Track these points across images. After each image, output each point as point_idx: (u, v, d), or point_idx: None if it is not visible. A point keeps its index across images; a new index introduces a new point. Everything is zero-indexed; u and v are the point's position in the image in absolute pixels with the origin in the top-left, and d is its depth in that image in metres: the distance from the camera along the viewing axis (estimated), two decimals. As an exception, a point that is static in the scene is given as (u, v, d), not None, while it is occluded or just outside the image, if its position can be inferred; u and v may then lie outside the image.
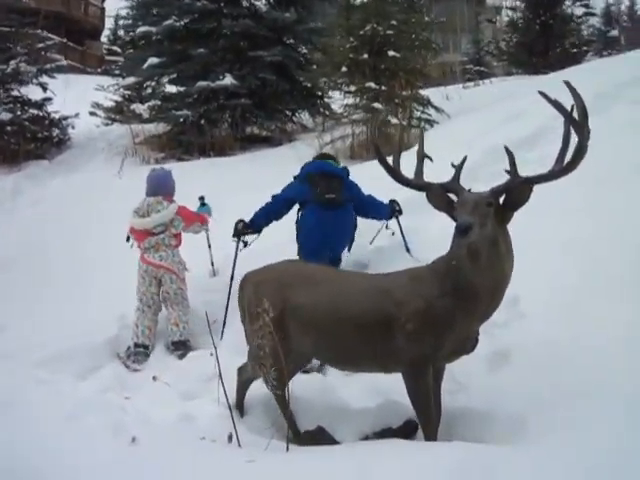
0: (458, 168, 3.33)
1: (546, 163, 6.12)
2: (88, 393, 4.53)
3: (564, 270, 4.42)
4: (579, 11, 17.83)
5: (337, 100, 12.75)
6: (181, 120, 11.47)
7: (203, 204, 5.90)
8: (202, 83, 10.88)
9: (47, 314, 5.88)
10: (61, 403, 4.31)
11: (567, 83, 3.09)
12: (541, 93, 3.14)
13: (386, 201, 5.54)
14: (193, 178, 9.36)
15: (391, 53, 9.37)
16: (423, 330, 3.18)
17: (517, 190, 3.09)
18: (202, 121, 11.46)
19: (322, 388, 4.08)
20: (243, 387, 3.94)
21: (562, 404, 3.27)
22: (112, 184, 9.96)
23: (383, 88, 9.41)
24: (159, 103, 12.17)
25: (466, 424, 3.47)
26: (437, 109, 9.53)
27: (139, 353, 5.15)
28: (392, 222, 5.71)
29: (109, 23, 32.06)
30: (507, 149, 3.21)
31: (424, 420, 3.33)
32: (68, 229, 7.97)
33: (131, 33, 18.27)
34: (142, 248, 5.35)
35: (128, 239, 5.55)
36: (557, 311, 4.09)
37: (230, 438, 3.34)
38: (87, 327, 5.43)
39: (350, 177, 5.42)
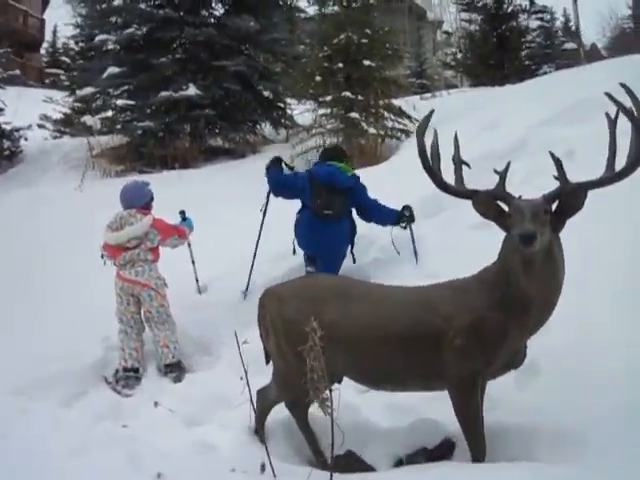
0: (503, 175, 3.15)
1: (534, 173, 6.18)
2: (81, 422, 4.19)
3: (588, 276, 4.27)
4: (534, 24, 18.16)
5: (298, 111, 12.62)
6: (140, 132, 11.09)
7: (184, 218, 5.63)
8: (165, 93, 10.51)
9: (18, 334, 5.42)
10: (57, 435, 4.00)
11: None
12: (607, 94, 3.00)
13: (393, 207, 5.47)
14: (159, 191, 9.02)
15: (366, 62, 9.24)
16: (474, 345, 3.00)
17: (571, 196, 2.93)
18: (163, 133, 11.06)
19: (343, 407, 3.82)
20: (264, 411, 3.65)
21: (608, 418, 3.12)
22: (73, 198, 9.52)
23: (359, 98, 9.26)
24: (116, 115, 11.71)
25: (509, 442, 3.27)
26: (411, 119, 9.40)
27: (129, 377, 4.82)
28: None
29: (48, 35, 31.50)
30: (553, 155, 3.08)
31: (474, 440, 3.12)
32: (32, 244, 7.48)
33: (81, 43, 17.98)
34: (117, 265, 5.03)
35: (102, 256, 5.21)
36: (584, 317, 3.93)
37: (263, 468, 3.06)
38: (66, 349, 5.04)
39: (359, 184, 5.41)
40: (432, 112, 3.42)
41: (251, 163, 10.89)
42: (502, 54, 16.87)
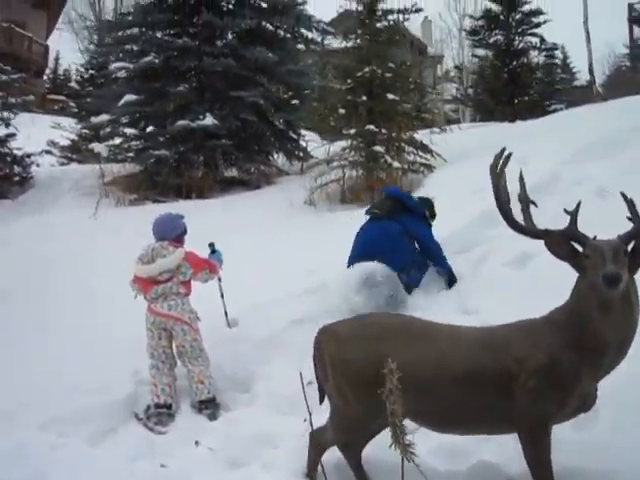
0: (574, 214, 3.06)
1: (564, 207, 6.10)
2: (116, 461, 4.03)
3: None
4: (542, 61, 18.37)
5: (316, 144, 12.62)
6: (154, 160, 11.03)
7: (213, 251, 5.45)
8: (182, 122, 10.48)
9: (46, 365, 5.23)
10: (91, 474, 3.85)
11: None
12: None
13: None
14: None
15: (390, 96, 9.22)
16: (547, 387, 2.90)
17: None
18: (178, 162, 11.00)
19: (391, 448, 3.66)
20: (319, 453, 3.48)
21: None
22: (87, 226, 9.40)
23: (383, 131, 9.22)
24: (128, 142, 11.66)
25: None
26: (434, 154, 9.36)
27: (162, 414, 4.62)
28: None
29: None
30: (624, 195, 3.07)
31: None
32: (51, 273, 7.32)
33: (91, 70, 18.03)
34: (149, 298, 4.85)
35: (133, 289, 5.04)
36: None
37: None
38: (96, 383, 4.85)
39: (423, 216, 5.60)
40: (504, 150, 3.32)
41: (267, 194, 10.88)
42: (513, 90, 17.00)
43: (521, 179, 3.41)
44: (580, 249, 2.98)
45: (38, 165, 12.56)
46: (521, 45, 17.95)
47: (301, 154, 12.59)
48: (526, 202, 3.30)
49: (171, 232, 5.03)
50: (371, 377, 3.06)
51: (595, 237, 3.00)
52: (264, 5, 12.23)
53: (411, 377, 3.04)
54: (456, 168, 8.96)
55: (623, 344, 2.90)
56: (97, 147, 15.38)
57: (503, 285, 5.34)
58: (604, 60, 41.16)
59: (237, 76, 11.13)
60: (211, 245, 5.47)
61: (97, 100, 12.87)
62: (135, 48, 11.43)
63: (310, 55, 13.82)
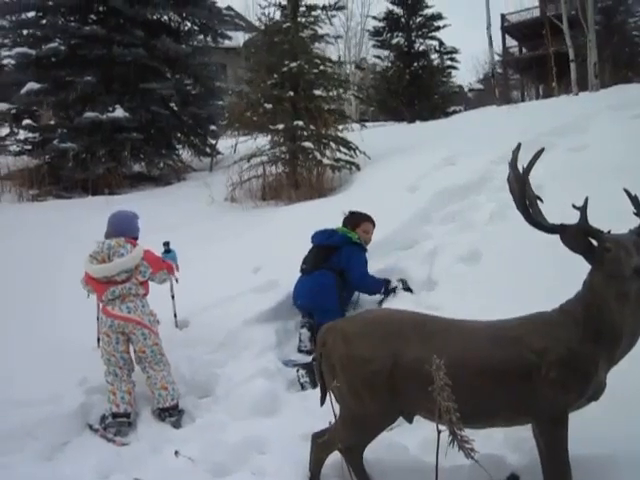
0: (583, 209, 3.09)
1: (506, 207, 6.28)
2: (83, 477, 3.70)
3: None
4: (442, 63, 18.92)
5: (223, 140, 12.35)
6: (54, 154, 10.36)
7: (168, 250, 5.16)
8: (91, 114, 9.88)
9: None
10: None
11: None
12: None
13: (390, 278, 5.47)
14: (88, 219, 8.42)
15: (317, 92, 9.13)
16: (568, 378, 2.93)
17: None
18: (85, 156, 10.38)
19: (389, 445, 3.58)
20: (322, 456, 3.36)
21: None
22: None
23: (312, 127, 9.10)
24: (30, 135, 10.87)
25: (588, 473, 3.15)
26: (359, 151, 9.34)
27: (122, 424, 4.27)
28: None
29: None
30: (628, 192, 3.17)
31: (563, 472, 3.02)
32: None
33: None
34: (105, 300, 4.47)
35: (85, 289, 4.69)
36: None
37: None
38: (39, 394, 4.43)
39: (350, 247, 5.39)
40: (520, 145, 3.32)
41: (180, 190, 10.52)
42: (414, 91, 17.38)
43: (526, 175, 3.39)
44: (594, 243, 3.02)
45: None
46: (422, 48, 18.46)
47: (208, 150, 12.29)
48: (534, 199, 3.30)
49: (131, 230, 4.74)
50: (387, 375, 3.00)
51: (609, 231, 3.05)
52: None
53: (428, 374, 2.98)
54: (382, 166, 9.00)
55: (635, 335, 2.99)
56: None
57: (463, 280, 5.40)
58: (479, 67, 43.33)
59: (147, 67, 10.67)
60: (166, 244, 5.20)
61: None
62: (37, 33, 10.63)
63: (221, 51, 13.48)
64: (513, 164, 3.27)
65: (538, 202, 3.32)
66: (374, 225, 5.72)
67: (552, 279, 4.84)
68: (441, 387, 2.62)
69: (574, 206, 3.22)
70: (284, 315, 5.45)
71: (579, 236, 3.05)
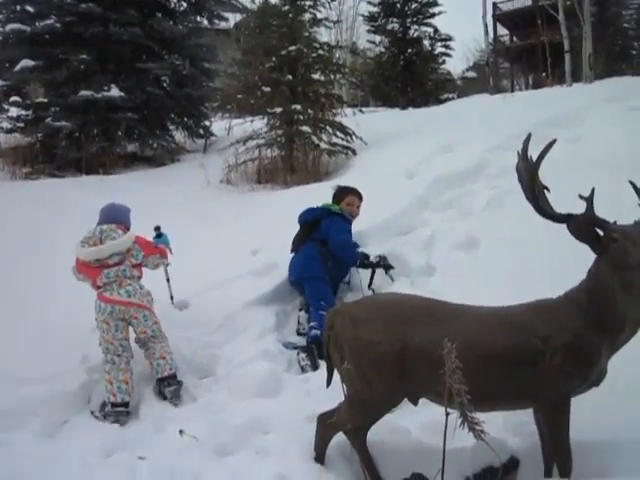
0: (590, 200, 3.14)
1: (502, 194, 6.33)
2: (86, 455, 3.70)
3: None
4: (438, 51, 18.92)
5: (217, 122, 12.30)
6: (48, 132, 10.26)
7: (159, 235, 5.14)
8: (85, 92, 9.79)
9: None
10: (64, 469, 3.53)
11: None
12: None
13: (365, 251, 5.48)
14: (83, 198, 8.38)
15: (315, 76, 9.12)
16: (572, 364, 2.99)
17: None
18: (79, 134, 10.30)
19: (391, 427, 3.63)
20: (328, 437, 3.42)
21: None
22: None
23: (309, 111, 9.09)
24: (23, 112, 10.77)
25: (588, 459, 3.21)
26: (355, 136, 9.35)
27: (120, 413, 4.21)
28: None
29: None
30: (633, 184, 3.23)
31: (564, 456, 3.09)
32: None
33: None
34: (100, 284, 4.46)
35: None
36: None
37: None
38: (39, 372, 4.42)
39: (329, 217, 5.43)
40: (530, 135, 3.34)
41: (175, 171, 10.48)
42: (408, 77, 17.36)
43: (536, 166, 3.42)
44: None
45: None
46: (416, 34, 18.42)
47: (202, 132, 12.24)
48: (541, 188, 3.33)
49: (123, 219, 4.80)
50: (394, 358, 3.04)
51: (615, 222, 3.10)
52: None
53: (441, 357, 3.03)
54: (378, 151, 9.02)
55: (637, 324, 3.05)
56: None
57: (459, 266, 5.45)
58: (469, 54, 43.29)
59: (143, 47, 10.59)
60: (157, 228, 5.17)
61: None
62: (31, 10, 10.50)
63: (211, 32, 13.40)
64: (524, 154, 3.29)
65: (545, 192, 3.37)
66: (360, 198, 5.71)
67: (549, 266, 4.91)
68: (453, 370, 2.67)
69: (580, 196, 3.26)
70: (283, 298, 5.49)
71: (586, 226, 3.09)
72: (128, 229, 4.78)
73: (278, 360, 4.73)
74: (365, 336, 3.12)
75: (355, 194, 5.69)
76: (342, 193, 5.68)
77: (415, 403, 3.31)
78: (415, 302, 3.33)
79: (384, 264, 5.37)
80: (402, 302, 3.34)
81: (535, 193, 3.21)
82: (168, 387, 4.39)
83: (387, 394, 3.17)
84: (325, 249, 5.34)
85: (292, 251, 5.54)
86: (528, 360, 3.00)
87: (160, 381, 4.43)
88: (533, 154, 3.31)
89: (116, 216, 4.75)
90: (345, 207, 5.58)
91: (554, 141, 3.28)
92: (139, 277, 4.65)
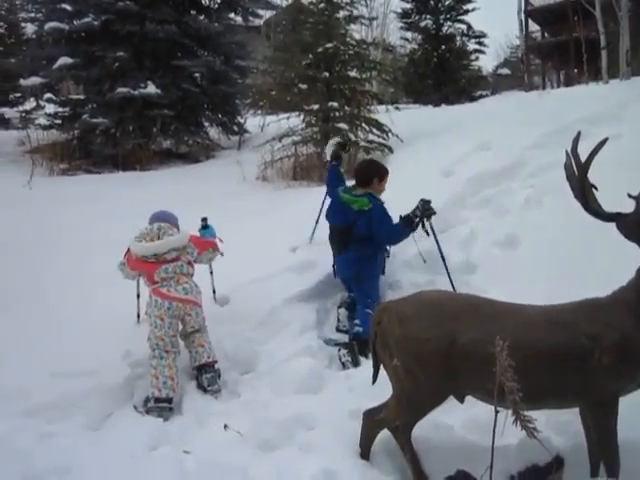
0: (639, 198, 3.10)
1: (541, 192, 6.27)
2: (132, 448, 3.75)
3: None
4: (471, 47, 18.82)
5: (250, 119, 12.36)
6: (85, 128, 10.40)
7: (205, 226, 5.18)
8: (122, 89, 9.92)
9: (19, 348, 4.75)
10: (110, 461, 3.57)
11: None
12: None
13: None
14: (121, 193, 8.49)
15: (352, 74, 9.13)
16: (621, 363, 2.97)
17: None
18: (115, 131, 10.42)
19: (435, 424, 3.63)
20: (373, 433, 3.44)
21: None
22: (23, 195, 8.71)
23: (346, 108, 9.10)
24: (60, 109, 10.93)
25: (636, 457, 3.18)
26: (391, 133, 9.32)
27: (163, 409, 4.23)
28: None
29: None
30: None
31: (612, 456, 3.08)
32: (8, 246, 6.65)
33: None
34: (157, 279, 4.48)
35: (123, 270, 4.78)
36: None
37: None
38: (83, 366, 4.46)
39: (365, 213, 5.15)
40: (579, 134, 3.31)
41: (211, 167, 10.56)
42: (441, 74, 17.28)
43: (587, 164, 3.38)
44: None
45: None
46: (449, 31, 18.33)
47: (236, 128, 12.31)
48: (589, 186, 3.30)
49: (174, 221, 4.86)
50: (442, 356, 3.04)
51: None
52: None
53: (489, 355, 3.01)
54: (415, 149, 8.99)
55: None
56: (8, 112, 14.38)
57: (498, 264, 5.44)
58: (500, 50, 42.88)
59: (178, 44, 10.68)
60: (204, 220, 5.20)
61: (27, 61, 11.89)
62: (70, 8, 10.63)
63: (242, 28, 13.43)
64: (574, 152, 3.26)
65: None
66: (388, 173, 5.46)
67: (594, 265, 4.87)
68: (505, 368, 2.66)
69: (629, 195, 3.23)
70: (323, 294, 5.50)
71: (636, 224, 3.07)
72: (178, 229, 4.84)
73: (319, 356, 4.75)
74: (412, 333, 3.12)
75: (384, 173, 5.45)
76: (379, 172, 5.38)
77: (462, 400, 3.30)
78: (462, 299, 3.34)
79: (427, 214, 5.15)
80: (449, 299, 3.34)
81: (585, 192, 3.19)
82: (205, 374, 4.43)
83: (434, 391, 3.18)
84: (371, 245, 5.20)
85: (336, 254, 5.42)
86: (576, 359, 2.98)
87: (198, 369, 4.49)
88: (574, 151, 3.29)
89: (167, 218, 4.81)
90: (378, 186, 5.33)
91: (606, 140, 3.24)
92: (193, 274, 4.71)
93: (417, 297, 3.38)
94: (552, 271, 5.13)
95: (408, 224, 5.09)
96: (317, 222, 6.19)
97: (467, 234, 6.03)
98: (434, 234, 5.33)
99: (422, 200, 5.15)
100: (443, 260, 5.34)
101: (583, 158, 3.19)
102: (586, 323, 3.03)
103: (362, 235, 5.15)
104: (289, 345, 4.84)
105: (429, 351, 3.07)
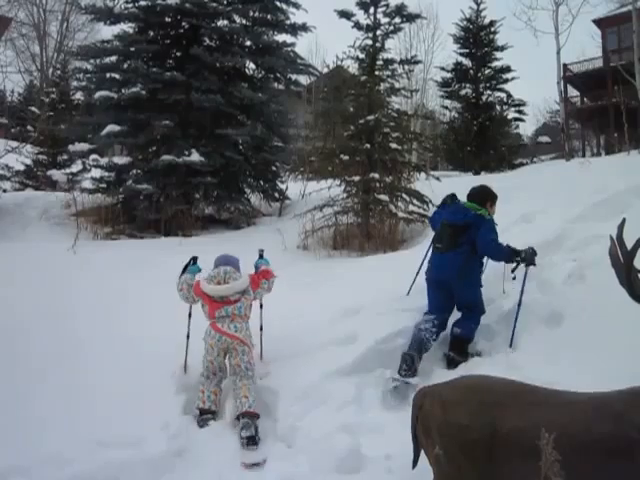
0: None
1: (579, 265, 6.19)
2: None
3: None
4: (511, 115, 18.97)
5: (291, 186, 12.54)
6: (131, 193, 10.65)
7: (261, 256, 5.99)
8: (167, 157, 10.17)
9: (56, 415, 4.78)
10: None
11: None
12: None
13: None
14: (165, 258, 8.57)
15: (393, 145, 9.25)
16: (671, 457, 2.80)
17: None
18: (159, 196, 10.65)
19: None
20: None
21: None
22: (67, 259, 8.86)
23: (387, 179, 9.21)
24: (106, 174, 11.24)
25: None
26: (432, 204, 9.34)
27: (206, 420, 4.89)
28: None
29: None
30: None
31: None
32: (57, 307, 6.68)
33: (52, 95, 17.60)
34: (217, 316, 5.12)
35: (190, 315, 5.51)
36: None
37: None
38: (120, 436, 4.51)
39: (484, 222, 5.58)
40: (624, 220, 3.30)
41: (252, 234, 10.63)
42: (481, 142, 17.39)
43: (634, 252, 3.33)
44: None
45: (5, 191, 11.88)
46: (489, 99, 18.52)
47: (277, 195, 12.47)
48: (636, 274, 3.26)
49: (237, 264, 5.53)
50: (485, 444, 2.97)
51: None
52: (248, 44, 12.15)
53: (533, 445, 2.93)
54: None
55: None
56: (56, 174, 14.81)
57: (541, 341, 5.39)
58: (540, 115, 43.12)
59: (223, 113, 10.96)
60: (261, 251, 6.04)
61: (74, 128, 12.34)
62: (118, 77, 11.06)
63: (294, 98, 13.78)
64: (619, 240, 3.24)
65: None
66: (497, 198, 6.01)
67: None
68: (551, 462, 2.59)
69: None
70: (363, 369, 5.42)
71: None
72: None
73: (358, 435, 4.64)
74: (454, 419, 3.06)
75: (496, 198, 6.00)
76: (492, 197, 5.96)
77: None
78: (505, 386, 3.26)
79: (529, 261, 5.63)
80: (491, 386, 3.27)
81: (631, 280, 3.14)
82: (242, 419, 4.70)
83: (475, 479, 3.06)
84: (476, 252, 5.62)
85: (437, 250, 5.74)
86: (624, 452, 2.84)
87: (237, 419, 4.76)
88: (617, 222, 3.28)
89: (231, 262, 5.48)
90: (490, 209, 5.85)
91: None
92: (248, 318, 5.28)
93: (459, 382, 3.33)
94: (598, 350, 5.01)
95: (512, 252, 5.60)
96: (417, 273, 6.32)
97: (510, 309, 5.94)
98: (523, 282, 5.71)
99: (532, 248, 5.68)
100: (518, 307, 5.65)
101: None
102: (635, 413, 2.90)
103: (472, 239, 5.57)
104: (327, 421, 4.74)
105: (471, 439, 3.00)
